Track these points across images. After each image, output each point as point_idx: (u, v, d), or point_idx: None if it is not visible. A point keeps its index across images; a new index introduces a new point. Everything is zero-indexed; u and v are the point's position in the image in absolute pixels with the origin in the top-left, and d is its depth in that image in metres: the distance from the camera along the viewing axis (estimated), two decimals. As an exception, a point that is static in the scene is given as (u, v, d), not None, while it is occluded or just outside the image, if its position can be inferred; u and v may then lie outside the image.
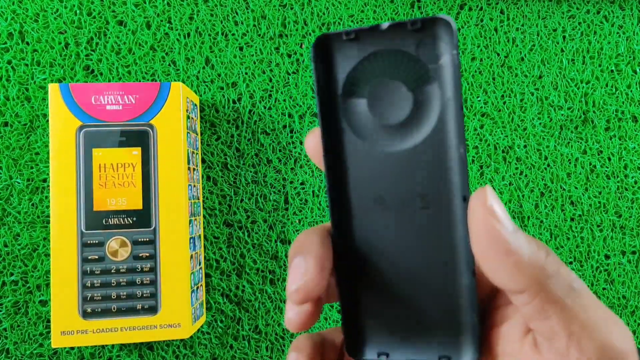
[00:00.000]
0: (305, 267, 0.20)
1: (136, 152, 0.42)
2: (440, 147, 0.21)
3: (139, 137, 0.42)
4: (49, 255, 0.48)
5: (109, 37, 0.49)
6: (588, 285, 0.51)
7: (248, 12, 0.50)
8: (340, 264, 0.22)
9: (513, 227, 0.19)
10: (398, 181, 0.22)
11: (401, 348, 0.22)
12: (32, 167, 0.48)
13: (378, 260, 0.22)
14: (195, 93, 0.49)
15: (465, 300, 0.21)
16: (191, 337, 0.48)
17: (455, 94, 0.20)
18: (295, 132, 0.50)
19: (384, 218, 0.22)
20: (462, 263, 0.21)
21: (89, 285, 0.41)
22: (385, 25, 0.20)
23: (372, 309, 0.22)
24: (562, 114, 0.51)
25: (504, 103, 0.51)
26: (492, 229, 0.19)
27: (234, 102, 0.50)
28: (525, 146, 0.51)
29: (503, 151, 0.51)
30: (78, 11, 0.49)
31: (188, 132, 0.43)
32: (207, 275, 0.49)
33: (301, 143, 0.50)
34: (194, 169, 0.45)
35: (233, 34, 0.50)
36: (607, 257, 0.51)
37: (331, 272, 0.21)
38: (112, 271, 0.41)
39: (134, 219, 0.41)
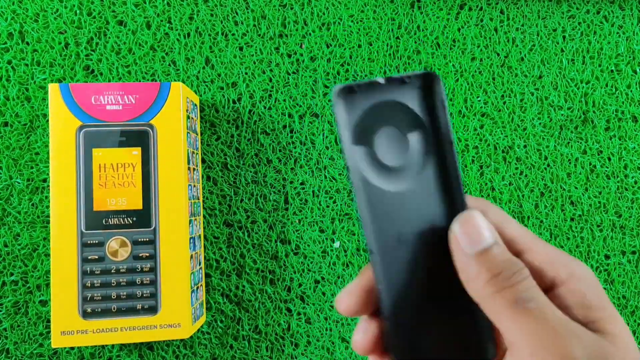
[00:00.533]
0: (349, 287, 0.24)
1: (136, 152, 0.42)
2: (440, 179, 0.24)
3: (139, 137, 0.42)
4: (49, 255, 0.48)
5: (109, 37, 0.49)
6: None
7: (248, 12, 0.50)
8: (383, 294, 0.25)
9: (485, 244, 0.22)
10: (411, 215, 0.25)
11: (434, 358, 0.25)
12: (32, 167, 0.48)
13: (406, 285, 0.25)
14: (195, 93, 0.49)
15: (480, 310, 0.23)
16: (191, 337, 0.48)
17: (446, 134, 0.24)
18: (295, 132, 0.50)
19: (407, 252, 0.25)
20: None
21: (89, 285, 0.41)
22: (382, 79, 0.24)
23: (405, 325, 0.25)
24: (562, 114, 0.51)
25: (504, 103, 0.51)
26: (457, 250, 0.22)
27: (234, 102, 0.50)
28: (525, 146, 0.51)
29: (503, 151, 0.51)
30: (78, 11, 0.49)
31: (188, 132, 0.43)
32: (207, 275, 0.49)
33: (301, 143, 0.50)
34: (194, 169, 0.45)
35: (233, 34, 0.50)
36: (607, 257, 0.51)
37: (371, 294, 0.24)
38: (112, 271, 0.41)
39: (134, 219, 0.41)
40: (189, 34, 0.49)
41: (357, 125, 0.25)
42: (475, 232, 0.22)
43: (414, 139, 0.24)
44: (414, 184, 0.25)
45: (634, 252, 0.51)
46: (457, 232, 0.22)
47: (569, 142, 0.51)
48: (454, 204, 0.24)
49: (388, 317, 0.25)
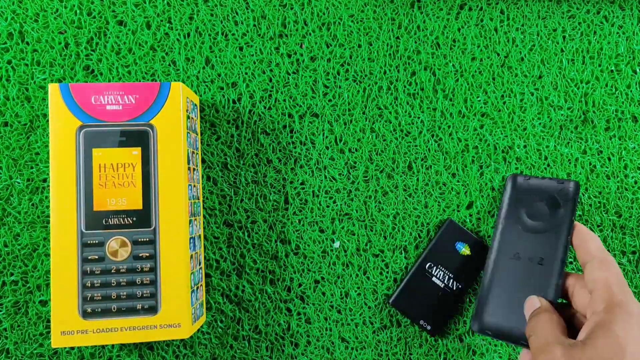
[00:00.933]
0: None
1: (136, 152, 0.42)
2: (556, 237, 0.43)
3: (139, 137, 0.42)
4: (49, 255, 0.48)
5: (109, 37, 0.49)
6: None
7: (248, 12, 0.50)
8: (486, 280, 0.44)
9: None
10: (530, 248, 0.43)
11: (502, 331, 0.42)
12: (32, 167, 0.48)
13: (507, 285, 0.43)
14: (195, 93, 0.49)
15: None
16: (191, 337, 0.48)
17: (571, 214, 0.43)
18: (295, 132, 0.50)
19: (515, 263, 0.44)
20: (551, 297, 0.41)
21: (89, 285, 0.41)
22: (545, 178, 0.46)
23: (493, 308, 0.43)
24: (562, 114, 0.51)
25: (504, 103, 0.51)
26: None
27: (234, 102, 0.50)
28: (525, 146, 0.51)
29: (503, 151, 0.51)
30: (78, 11, 0.49)
31: (188, 132, 0.43)
32: (207, 275, 0.49)
33: (301, 143, 0.50)
34: (194, 169, 0.45)
35: (233, 34, 0.50)
36: (607, 257, 0.51)
37: None
38: (112, 271, 0.41)
39: (134, 219, 0.41)
40: (189, 34, 0.49)
41: (518, 195, 0.46)
42: (530, 305, 0.39)
43: (551, 210, 0.44)
44: (540, 235, 0.44)
45: (634, 252, 0.51)
46: (525, 304, 0.40)
47: (569, 142, 0.51)
48: (556, 257, 0.42)
49: (482, 303, 0.43)
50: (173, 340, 0.48)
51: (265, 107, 0.50)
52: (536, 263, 0.43)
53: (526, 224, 0.44)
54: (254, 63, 0.50)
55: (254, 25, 0.50)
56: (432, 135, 0.50)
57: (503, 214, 0.45)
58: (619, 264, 0.51)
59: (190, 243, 0.42)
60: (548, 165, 0.51)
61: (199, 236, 0.47)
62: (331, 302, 0.50)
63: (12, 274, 0.48)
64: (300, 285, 0.49)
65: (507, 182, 0.46)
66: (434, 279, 0.48)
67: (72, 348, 0.48)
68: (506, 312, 0.42)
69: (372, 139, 0.50)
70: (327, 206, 0.50)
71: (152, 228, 0.41)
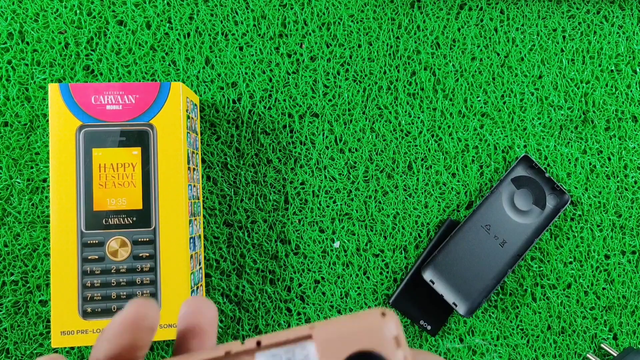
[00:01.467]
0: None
1: (136, 152, 0.42)
2: (528, 231, 0.47)
3: (139, 137, 0.42)
4: (49, 255, 0.48)
5: (109, 37, 0.49)
6: (588, 285, 0.51)
7: (248, 12, 0.50)
8: (454, 236, 0.47)
9: None
10: (501, 227, 0.47)
11: (442, 285, 0.47)
12: (32, 167, 0.48)
13: (466, 248, 0.47)
14: (195, 93, 0.49)
15: (486, 289, 0.47)
16: (191, 337, 0.48)
17: (549, 221, 0.48)
18: (295, 132, 0.50)
19: (483, 233, 0.47)
20: (499, 273, 0.47)
21: (89, 285, 0.41)
22: (549, 177, 0.49)
23: (447, 260, 0.47)
24: (562, 114, 0.51)
25: (504, 103, 0.51)
26: None
27: (234, 102, 0.50)
28: (525, 146, 0.51)
29: (503, 151, 0.51)
30: (78, 11, 0.49)
31: (188, 132, 0.43)
32: (207, 275, 0.49)
33: (301, 143, 0.50)
34: (194, 169, 0.45)
35: (233, 34, 0.50)
36: (607, 257, 0.51)
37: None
38: (112, 271, 0.41)
39: (134, 218, 0.41)
40: (189, 34, 0.49)
41: (519, 177, 0.48)
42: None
43: (535, 209, 0.48)
44: (515, 222, 0.47)
45: (634, 252, 0.51)
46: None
47: (569, 142, 0.51)
48: (518, 249, 0.47)
49: (440, 251, 0.47)
50: (173, 340, 0.48)
51: (265, 107, 0.50)
52: (498, 243, 0.47)
53: (510, 205, 0.47)
54: (254, 63, 0.50)
55: (254, 25, 0.50)
56: (432, 135, 0.50)
57: (498, 186, 0.48)
58: (618, 264, 0.51)
59: (190, 243, 0.42)
60: (548, 165, 0.51)
61: (199, 236, 0.47)
62: (331, 302, 0.50)
63: (12, 274, 0.48)
64: (300, 285, 0.49)
65: (519, 159, 0.48)
66: (434, 279, 0.48)
67: (72, 348, 0.48)
68: (452, 270, 0.47)
69: (372, 139, 0.50)
70: (327, 206, 0.50)
71: (152, 228, 0.41)
